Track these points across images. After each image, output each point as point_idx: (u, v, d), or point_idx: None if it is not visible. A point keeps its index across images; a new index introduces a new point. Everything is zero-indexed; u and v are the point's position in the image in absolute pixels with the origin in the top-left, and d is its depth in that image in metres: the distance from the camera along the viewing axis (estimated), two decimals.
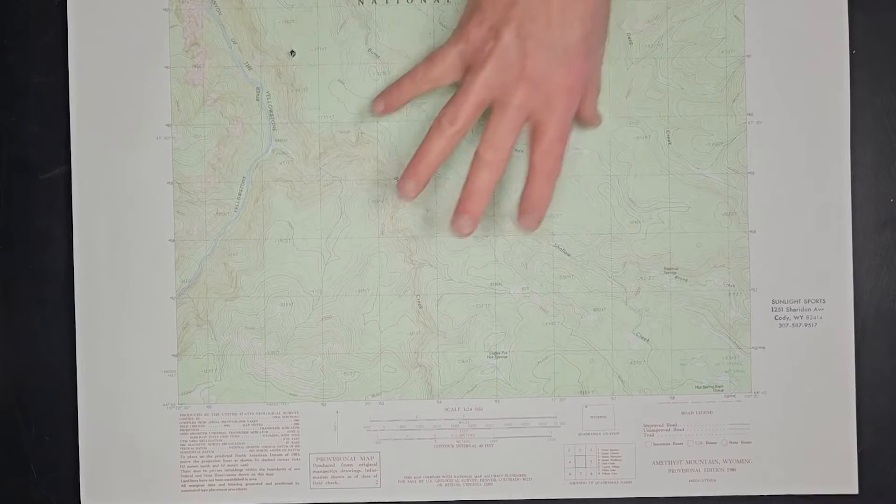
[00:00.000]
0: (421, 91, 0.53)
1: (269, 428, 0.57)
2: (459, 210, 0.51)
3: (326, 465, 0.56)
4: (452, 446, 0.56)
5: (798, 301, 0.56)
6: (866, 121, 0.56)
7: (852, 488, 0.56)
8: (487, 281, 0.56)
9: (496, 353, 0.56)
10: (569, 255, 0.56)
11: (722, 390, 0.56)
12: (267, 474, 0.57)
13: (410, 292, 0.56)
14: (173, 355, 0.56)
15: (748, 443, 0.56)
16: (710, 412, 0.56)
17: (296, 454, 0.56)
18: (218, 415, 0.57)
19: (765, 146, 0.56)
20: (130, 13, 0.56)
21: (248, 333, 0.56)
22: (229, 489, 0.56)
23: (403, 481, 0.56)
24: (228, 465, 0.56)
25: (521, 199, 0.52)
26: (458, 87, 0.51)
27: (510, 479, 0.56)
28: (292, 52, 0.56)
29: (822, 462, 0.56)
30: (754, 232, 0.56)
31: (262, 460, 0.56)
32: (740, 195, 0.56)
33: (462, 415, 0.56)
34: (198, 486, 0.56)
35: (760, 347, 0.56)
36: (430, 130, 0.51)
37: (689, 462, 0.56)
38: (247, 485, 0.57)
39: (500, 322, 0.56)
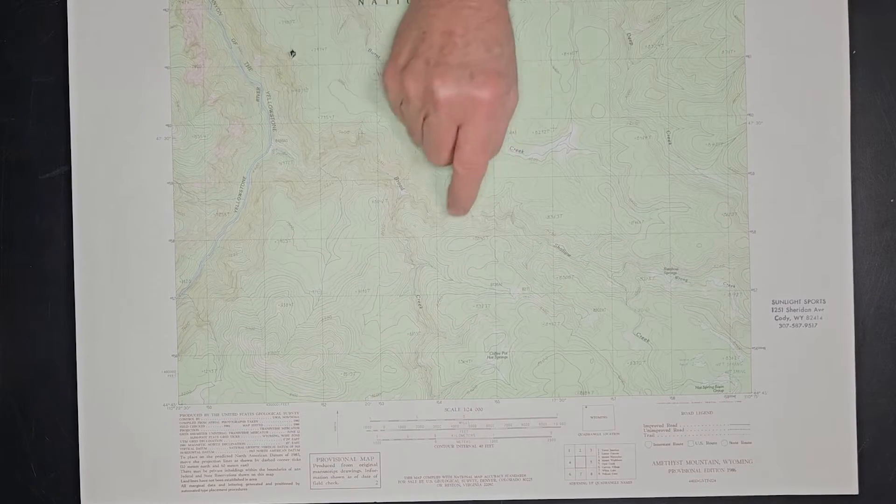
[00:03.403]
0: (417, 125, 0.54)
1: (270, 428, 0.57)
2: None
3: (326, 466, 0.56)
4: (452, 447, 0.56)
5: (798, 301, 0.56)
6: (866, 121, 0.56)
7: (852, 488, 0.56)
8: (487, 281, 0.56)
9: (496, 353, 0.56)
10: (569, 255, 0.56)
11: (722, 390, 0.56)
12: (267, 474, 0.57)
13: (410, 292, 0.56)
14: (173, 355, 0.56)
15: (748, 443, 0.56)
16: (711, 412, 0.56)
17: (296, 454, 0.56)
18: (218, 415, 0.57)
19: (765, 146, 0.56)
20: (130, 13, 0.56)
21: (249, 334, 0.56)
22: (229, 489, 0.56)
23: (403, 481, 0.56)
24: (228, 466, 0.56)
25: (448, 193, 0.55)
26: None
27: (510, 480, 0.56)
28: (292, 52, 0.56)
29: (822, 462, 0.56)
30: (754, 232, 0.56)
31: (263, 460, 0.56)
32: (740, 195, 0.56)
33: (462, 415, 0.56)
34: (198, 486, 0.56)
35: (760, 348, 0.56)
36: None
37: (690, 462, 0.56)
38: (247, 485, 0.57)
39: (501, 322, 0.56)
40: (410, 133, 0.55)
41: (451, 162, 0.54)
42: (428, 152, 0.54)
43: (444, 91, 0.50)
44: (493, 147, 0.53)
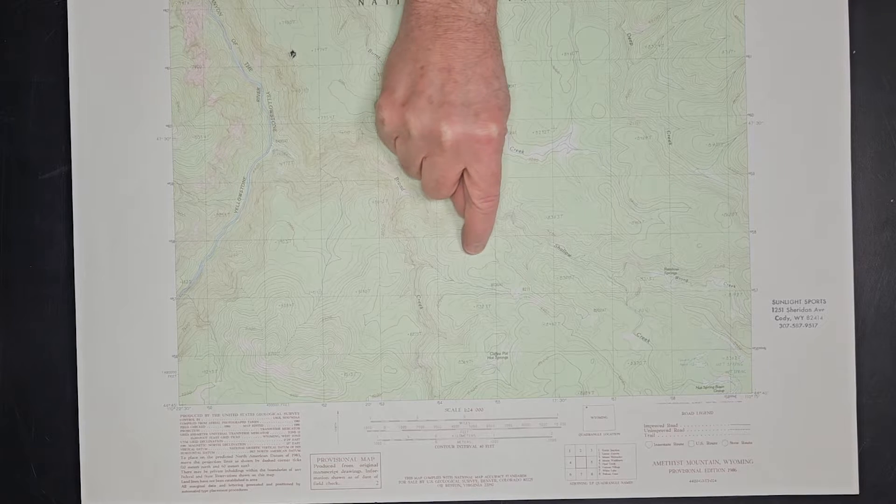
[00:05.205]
0: (416, 161, 0.53)
1: (270, 429, 0.57)
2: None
3: (327, 466, 0.56)
4: (453, 447, 0.56)
5: (798, 301, 0.56)
6: (866, 121, 0.56)
7: (852, 488, 0.56)
8: (488, 281, 0.56)
9: (497, 353, 0.56)
10: (569, 255, 0.56)
11: (722, 391, 0.56)
12: (268, 475, 0.57)
13: (411, 293, 0.56)
14: (174, 356, 0.56)
15: (749, 443, 0.56)
16: (711, 412, 0.56)
17: (296, 455, 0.56)
18: (219, 415, 0.56)
19: (765, 146, 0.56)
20: (130, 13, 0.56)
21: (249, 334, 0.56)
22: (230, 490, 0.56)
23: (404, 482, 0.56)
24: (229, 466, 0.56)
25: (464, 231, 0.55)
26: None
27: (511, 480, 0.56)
28: (293, 52, 0.56)
29: (823, 462, 0.56)
30: (755, 232, 0.56)
31: (263, 461, 0.56)
32: (741, 195, 0.56)
33: (463, 415, 0.56)
34: (198, 486, 0.56)
35: (761, 348, 0.56)
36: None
37: (690, 462, 0.56)
38: (247, 485, 0.56)
39: (501, 323, 0.56)
40: (405, 167, 0.54)
41: (448, 196, 0.54)
42: (427, 188, 0.54)
43: (452, 133, 0.50)
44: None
